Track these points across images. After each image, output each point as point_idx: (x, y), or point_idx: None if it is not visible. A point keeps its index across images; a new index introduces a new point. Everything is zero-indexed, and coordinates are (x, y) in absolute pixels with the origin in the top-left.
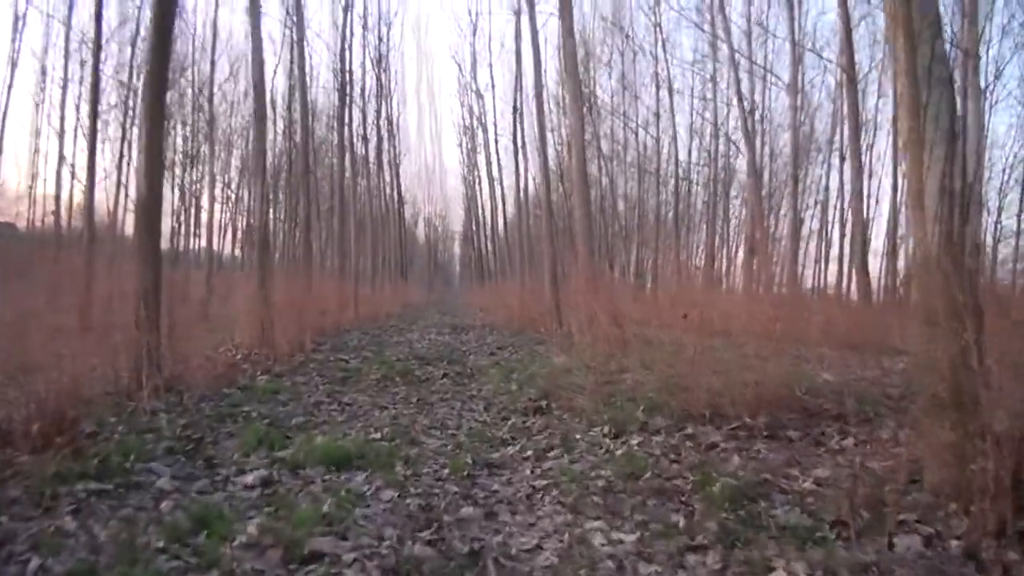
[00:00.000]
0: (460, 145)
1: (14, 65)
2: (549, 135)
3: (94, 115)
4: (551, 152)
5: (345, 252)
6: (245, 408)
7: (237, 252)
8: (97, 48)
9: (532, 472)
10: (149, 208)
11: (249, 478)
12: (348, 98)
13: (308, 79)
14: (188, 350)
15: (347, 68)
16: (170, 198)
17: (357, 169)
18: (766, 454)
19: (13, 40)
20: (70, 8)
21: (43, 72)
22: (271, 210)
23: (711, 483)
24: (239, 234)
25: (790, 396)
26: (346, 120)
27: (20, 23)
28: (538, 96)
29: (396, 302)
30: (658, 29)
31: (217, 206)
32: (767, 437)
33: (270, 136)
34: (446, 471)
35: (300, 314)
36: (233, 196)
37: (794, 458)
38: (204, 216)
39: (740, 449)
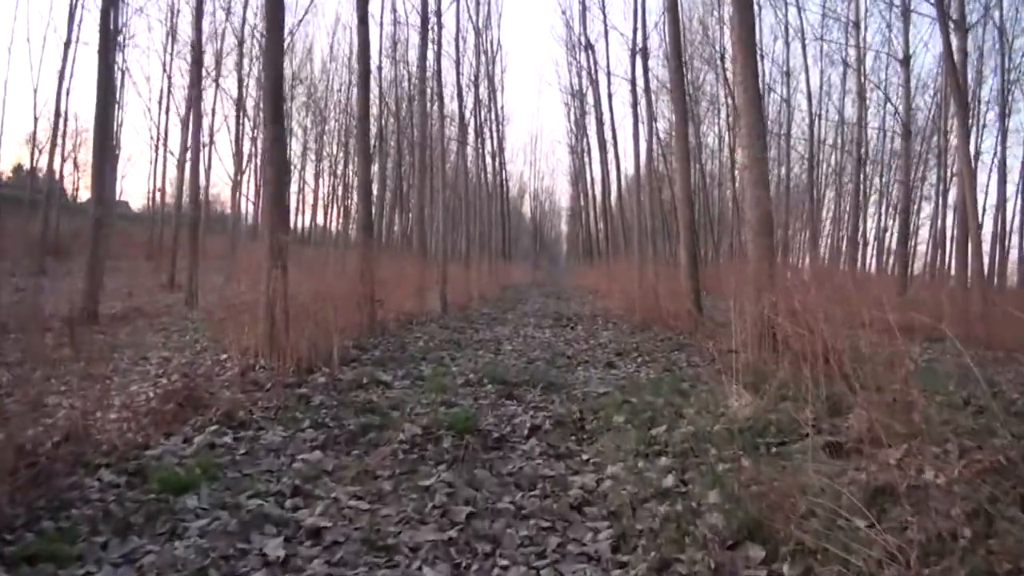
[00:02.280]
0: (568, 111)
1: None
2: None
3: None
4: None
5: (425, 225)
6: None
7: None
8: None
9: None
10: None
11: None
12: (436, 43)
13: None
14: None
15: (430, 5)
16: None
17: (449, 131)
18: None
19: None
20: None
21: None
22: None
23: None
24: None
25: None
26: (431, 68)
27: None
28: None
29: (494, 284)
30: None
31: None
32: None
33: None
34: None
35: (336, 308)
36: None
37: None
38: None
39: None
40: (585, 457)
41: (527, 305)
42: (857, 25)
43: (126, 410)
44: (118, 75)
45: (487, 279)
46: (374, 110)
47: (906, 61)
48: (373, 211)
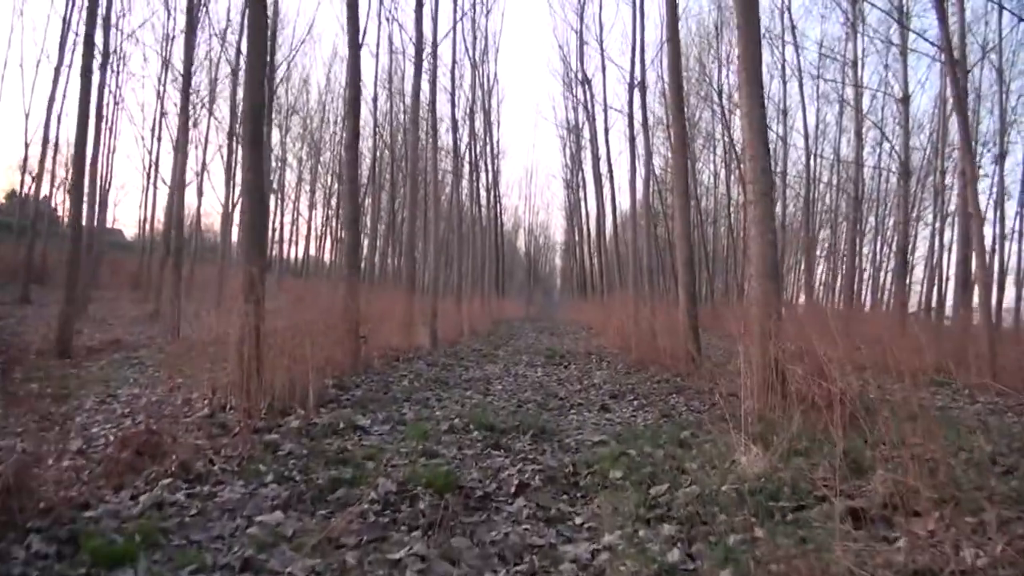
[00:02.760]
0: (563, 145)
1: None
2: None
3: None
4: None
5: (415, 258)
6: None
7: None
8: None
9: None
10: None
11: None
12: (431, 74)
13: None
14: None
15: (426, 36)
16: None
17: (444, 163)
18: None
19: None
20: None
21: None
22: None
23: None
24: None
25: None
26: (425, 98)
27: None
28: (672, 29)
29: (486, 318)
30: (787, 13)
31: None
32: None
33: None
34: None
35: (316, 344)
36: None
37: None
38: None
39: None
40: (579, 521)
41: (520, 341)
42: (855, 64)
43: (81, 456)
44: (110, 101)
45: (479, 314)
46: (369, 142)
47: (905, 100)
48: (365, 244)
